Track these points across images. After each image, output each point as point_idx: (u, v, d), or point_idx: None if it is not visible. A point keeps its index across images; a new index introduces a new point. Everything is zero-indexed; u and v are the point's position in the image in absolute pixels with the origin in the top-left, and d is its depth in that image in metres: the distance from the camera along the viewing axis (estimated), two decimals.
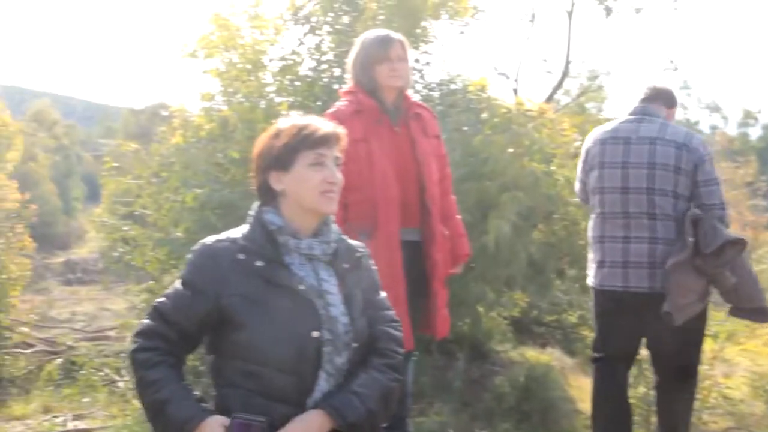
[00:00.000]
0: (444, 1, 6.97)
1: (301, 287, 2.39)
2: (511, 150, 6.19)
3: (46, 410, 9.73)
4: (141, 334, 2.40)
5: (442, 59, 9.52)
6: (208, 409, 2.32)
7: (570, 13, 15.01)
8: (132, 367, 2.42)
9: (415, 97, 5.05)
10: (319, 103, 6.38)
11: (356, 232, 4.00)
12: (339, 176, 2.46)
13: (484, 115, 6.69)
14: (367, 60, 4.06)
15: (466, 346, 6.36)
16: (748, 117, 32.58)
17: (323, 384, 2.37)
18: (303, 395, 2.35)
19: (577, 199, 6.34)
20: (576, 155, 6.62)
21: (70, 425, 8.97)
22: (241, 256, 2.37)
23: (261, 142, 2.50)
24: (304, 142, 2.41)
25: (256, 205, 2.50)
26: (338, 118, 4.03)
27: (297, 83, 6.70)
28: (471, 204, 5.74)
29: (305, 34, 6.84)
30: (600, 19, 15.16)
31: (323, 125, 2.46)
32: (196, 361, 6.93)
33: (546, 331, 7.98)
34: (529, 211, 6.09)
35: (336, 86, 6.63)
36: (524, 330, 7.67)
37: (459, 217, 4.35)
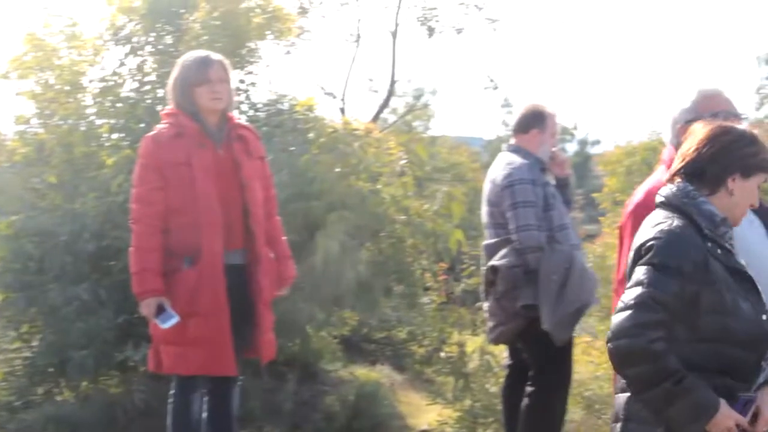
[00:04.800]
0: (269, 21, 6.92)
1: (750, 274, 2.56)
2: (338, 169, 6.25)
3: None
4: (644, 326, 2.41)
5: (269, 80, 9.50)
6: None
7: (394, 34, 15.28)
8: (643, 357, 2.42)
9: (241, 119, 5.01)
10: (142, 125, 6.23)
11: (180, 258, 3.93)
12: None
13: (311, 135, 6.70)
14: (187, 82, 3.99)
15: (296, 368, 6.33)
16: (565, 133, 34.11)
17: (765, 363, 2.55)
18: (755, 373, 2.52)
19: (403, 217, 6.48)
20: (402, 173, 6.76)
21: None
22: (709, 244, 2.49)
23: (729, 136, 2.56)
24: None
25: (674, 189, 2.57)
26: (159, 140, 3.97)
27: (119, 105, 6.51)
28: (298, 224, 5.75)
29: (126, 55, 6.66)
30: (423, 39, 15.45)
31: None
32: None
33: (376, 348, 8.08)
34: (356, 229, 6.15)
35: (159, 107, 6.48)
36: (354, 348, 7.73)
37: (285, 238, 4.33)
